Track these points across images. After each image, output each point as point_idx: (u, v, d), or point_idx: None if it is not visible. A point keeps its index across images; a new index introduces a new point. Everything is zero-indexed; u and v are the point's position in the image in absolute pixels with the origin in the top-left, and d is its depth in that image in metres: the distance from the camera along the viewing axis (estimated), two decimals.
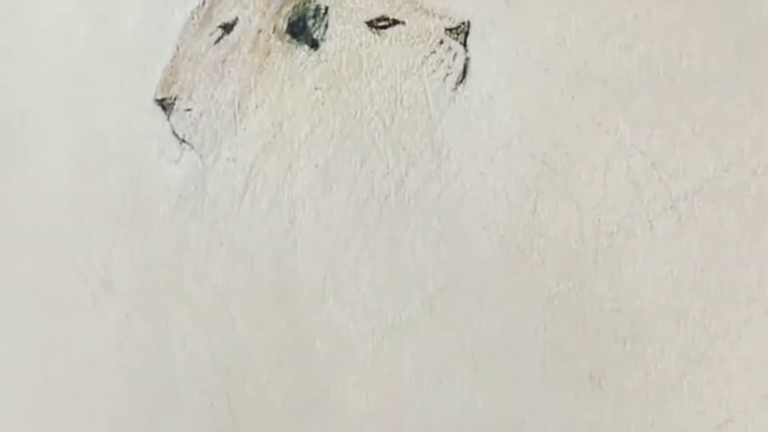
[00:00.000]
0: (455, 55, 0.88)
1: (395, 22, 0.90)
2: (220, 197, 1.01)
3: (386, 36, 0.91)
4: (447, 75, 0.88)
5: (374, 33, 0.91)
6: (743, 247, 0.77)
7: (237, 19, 0.99)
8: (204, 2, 1.00)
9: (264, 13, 0.97)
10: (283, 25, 0.96)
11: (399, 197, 0.91)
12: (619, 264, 0.82)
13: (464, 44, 0.87)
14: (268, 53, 0.97)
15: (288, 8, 0.96)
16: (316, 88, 0.95)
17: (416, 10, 0.89)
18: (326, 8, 0.93)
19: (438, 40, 0.89)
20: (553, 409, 0.85)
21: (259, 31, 0.97)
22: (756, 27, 0.76)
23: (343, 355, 0.95)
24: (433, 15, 0.89)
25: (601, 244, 0.82)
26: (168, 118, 1.03)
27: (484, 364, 0.88)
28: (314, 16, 0.94)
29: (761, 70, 0.76)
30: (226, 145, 1.00)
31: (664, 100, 0.79)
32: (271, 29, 0.97)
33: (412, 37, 0.90)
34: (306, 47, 0.95)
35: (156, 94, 1.04)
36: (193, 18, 1.01)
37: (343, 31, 0.93)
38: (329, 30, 0.94)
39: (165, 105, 1.03)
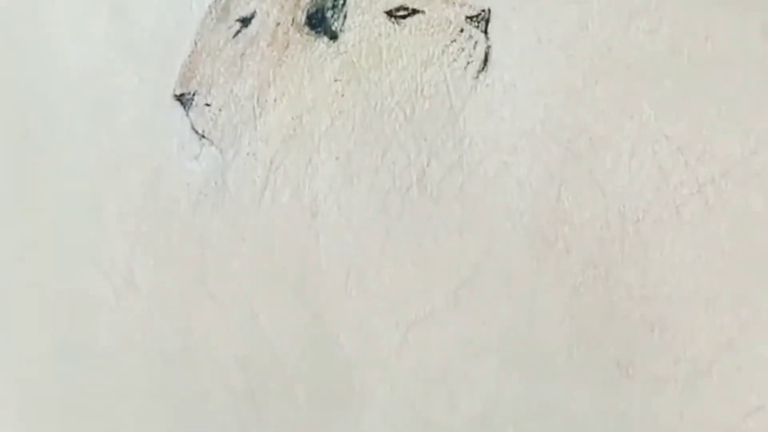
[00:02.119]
0: (476, 43, 0.87)
1: (414, 11, 0.90)
2: (241, 192, 1.00)
3: (406, 25, 0.90)
4: (468, 63, 0.88)
5: (393, 23, 0.91)
6: None
7: (255, 12, 0.98)
8: None
9: (282, 6, 0.97)
10: (301, 17, 0.96)
11: (421, 188, 0.91)
12: (646, 250, 0.81)
13: (485, 32, 0.87)
14: (287, 46, 0.97)
15: (306, 0, 0.95)
16: (335, 80, 0.94)
17: None
18: None
19: (458, 29, 0.88)
20: (581, 398, 0.84)
21: (278, 24, 0.97)
22: None
23: (367, 349, 0.95)
24: (453, 3, 0.88)
25: (627, 231, 0.82)
26: (187, 114, 1.03)
27: (510, 355, 0.88)
28: (333, 8, 0.94)
29: None
30: (246, 140, 1.00)
31: (689, 84, 0.78)
32: (290, 22, 0.96)
33: (432, 26, 0.89)
34: (325, 39, 0.94)
35: (175, 89, 1.03)
36: (210, 12, 1.01)
37: (362, 21, 0.92)
38: (348, 21, 0.93)
39: (184, 100, 1.03)
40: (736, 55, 0.77)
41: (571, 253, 0.84)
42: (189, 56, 1.02)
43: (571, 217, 0.84)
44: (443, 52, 0.89)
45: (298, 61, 0.96)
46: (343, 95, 0.94)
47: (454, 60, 0.88)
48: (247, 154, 1.00)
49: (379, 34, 0.92)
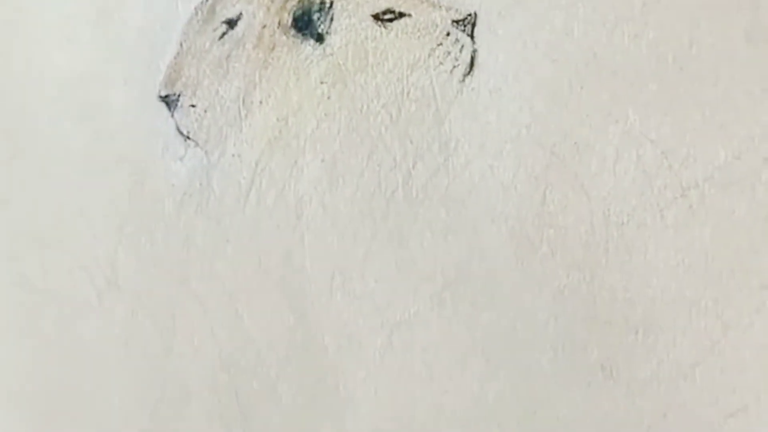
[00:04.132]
0: (462, 47, 0.87)
1: (401, 14, 0.90)
2: (226, 193, 1.00)
3: (392, 29, 0.91)
4: (454, 67, 0.88)
5: (380, 26, 0.91)
6: (755, 235, 0.77)
7: (241, 14, 0.98)
8: None
9: (268, 8, 0.97)
10: (287, 19, 0.96)
11: (406, 191, 0.91)
12: (630, 254, 0.82)
13: (471, 36, 0.87)
14: (273, 48, 0.97)
15: (293, 2, 0.95)
16: (321, 83, 0.94)
17: (422, 2, 0.89)
18: (331, 2, 0.93)
19: (445, 32, 0.88)
20: (565, 400, 0.85)
21: (264, 26, 0.97)
22: (766, 13, 0.76)
23: (352, 350, 0.95)
24: (440, 7, 0.88)
25: (612, 234, 0.82)
26: (172, 115, 1.03)
27: (494, 357, 0.88)
28: (319, 10, 0.94)
29: None
30: (232, 141, 1.00)
31: (673, 89, 0.79)
32: (276, 24, 0.96)
33: (419, 30, 0.90)
34: (311, 41, 0.95)
35: (160, 90, 1.03)
36: (196, 14, 1.01)
37: (348, 24, 0.93)
38: (334, 24, 0.93)
39: (169, 102, 1.03)
40: (720, 61, 0.78)
41: (555, 257, 0.84)
42: (174, 57, 1.02)
43: (556, 221, 0.84)
44: (429, 55, 0.89)
45: (284, 63, 0.96)
46: (329, 98, 0.94)
47: (441, 63, 0.89)
48: (233, 155, 1.00)
49: (366, 37, 0.92)
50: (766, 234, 0.77)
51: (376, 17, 0.91)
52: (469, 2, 0.87)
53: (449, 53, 0.88)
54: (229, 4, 0.99)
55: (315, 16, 0.94)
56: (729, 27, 0.77)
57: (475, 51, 0.87)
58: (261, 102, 0.98)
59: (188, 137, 1.02)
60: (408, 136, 0.90)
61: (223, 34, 0.99)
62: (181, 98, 1.02)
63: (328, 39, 0.94)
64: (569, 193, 0.83)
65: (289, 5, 0.96)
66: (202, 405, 1.04)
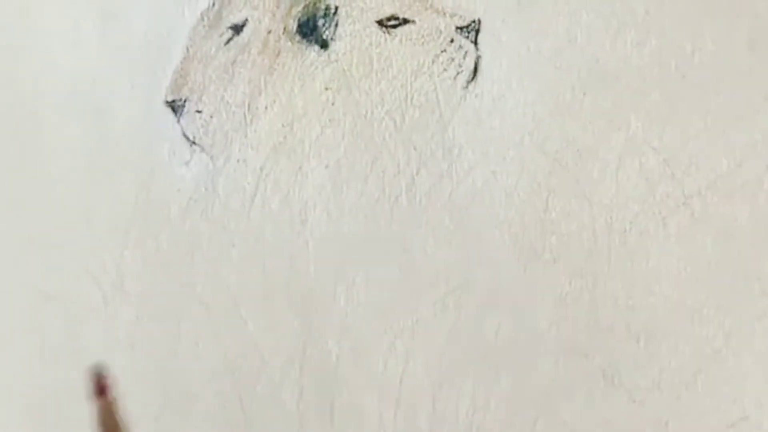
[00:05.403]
0: (466, 53, 0.88)
1: (405, 21, 0.90)
2: (231, 198, 1.01)
3: (396, 35, 0.91)
4: (458, 73, 0.88)
5: (384, 32, 0.91)
6: (757, 243, 0.77)
7: (246, 20, 0.99)
8: (214, 4, 1.00)
9: (274, 14, 0.97)
10: (292, 25, 0.96)
11: (410, 197, 0.91)
12: (632, 261, 0.82)
13: (475, 42, 0.87)
14: (278, 54, 0.97)
15: (298, 8, 0.95)
16: (326, 88, 0.95)
17: (426, 8, 0.89)
18: (336, 8, 0.93)
19: (448, 39, 0.88)
20: (567, 407, 0.85)
21: (269, 31, 0.97)
22: (767, 22, 0.76)
23: (355, 355, 0.95)
24: (444, 13, 0.89)
25: (614, 242, 0.82)
26: (178, 120, 1.03)
27: (496, 363, 0.88)
28: (324, 16, 0.94)
29: None
30: (237, 147, 1.00)
31: (676, 96, 0.79)
32: (281, 30, 0.97)
33: (423, 36, 0.90)
34: (316, 47, 0.95)
35: (166, 96, 1.04)
36: (203, 19, 1.01)
37: (353, 30, 0.93)
38: (339, 30, 0.93)
39: (175, 107, 1.03)
40: (722, 69, 0.78)
41: (558, 263, 0.84)
42: (181, 63, 1.03)
43: (559, 228, 0.84)
44: (433, 62, 0.89)
45: (289, 69, 0.97)
46: (333, 103, 0.94)
47: (444, 70, 0.89)
48: (238, 160, 1.00)
49: (370, 44, 0.92)
50: None
51: (381, 23, 0.91)
52: (473, 9, 0.87)
53: (453, 60, 0.88)
54: (235, 9, 0.99)
55: (320, 22, 0.94)
56: (731, 35, 0.77)
57: (478, 57, 0.87)
58: (266, 107, 0.98)
59: (194, 142, 1.03)
60: (412, 142, 0.91)
61: (229, 39, 1.00)
62: (187, 103, 1.03)
63: (332, 45, 0.94)
64: (572, 200, 0.83)
65: (294, 11, 0.96)
66: (206, 409, 1.05)
